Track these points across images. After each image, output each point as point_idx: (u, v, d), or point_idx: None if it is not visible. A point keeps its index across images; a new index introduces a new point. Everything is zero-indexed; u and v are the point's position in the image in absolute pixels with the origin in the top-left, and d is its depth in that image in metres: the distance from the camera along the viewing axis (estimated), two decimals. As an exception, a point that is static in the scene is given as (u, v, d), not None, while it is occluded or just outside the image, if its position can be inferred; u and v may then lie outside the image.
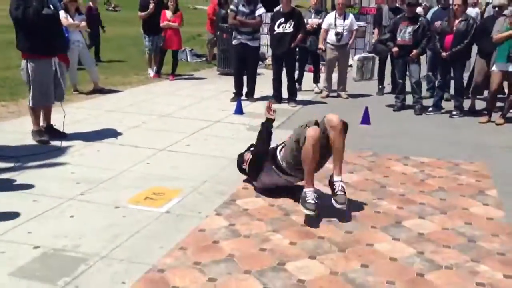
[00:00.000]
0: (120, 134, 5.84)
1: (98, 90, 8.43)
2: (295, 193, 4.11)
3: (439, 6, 8.98)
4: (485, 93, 7.49)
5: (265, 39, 12.10)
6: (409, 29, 7.32)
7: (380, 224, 3.57)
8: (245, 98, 8.06)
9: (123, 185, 4.25)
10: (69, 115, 5.89)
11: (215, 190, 4.21)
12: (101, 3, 13.81)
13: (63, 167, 4.66)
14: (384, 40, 7.68)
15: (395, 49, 7.45)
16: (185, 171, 4.66)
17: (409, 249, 3.21)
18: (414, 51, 7.31)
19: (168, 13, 9.78)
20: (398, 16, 7.73)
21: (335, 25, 8.34)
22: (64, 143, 5.32)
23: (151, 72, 10.31)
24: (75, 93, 8.20)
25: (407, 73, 7.59)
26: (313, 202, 3.56)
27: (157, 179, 4.41)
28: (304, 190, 3.67)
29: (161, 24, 9.73)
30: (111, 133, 5.84)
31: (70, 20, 7.94)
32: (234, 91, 8.13)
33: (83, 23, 8.23)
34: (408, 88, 7.64)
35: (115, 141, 5.57)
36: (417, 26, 7.28)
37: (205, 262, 2.99)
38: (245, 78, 8.14)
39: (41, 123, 5.58)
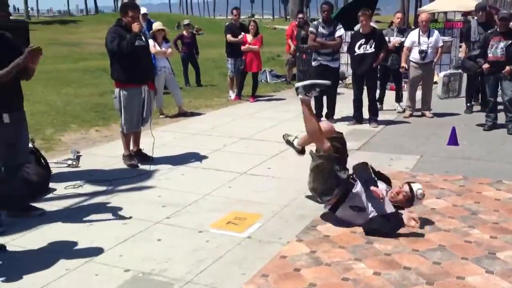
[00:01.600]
0: (203, 157, 6.03)
1: (183, 114, 8.79)
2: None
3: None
4: None
5: (344, 58, 12.02)
6: (502, 44, 6.94)
7: (472, 255, 3.37)
8: (325, 119, 8.00)
9: (206, 209, 4.37)
10: (155, 139, 6.16)
11: (295, 214, 4.20)
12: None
13: (150, 190, 4.88)
14: (474, 56, 7.33)
15: (486, 65, 7.08)
16: (266, 195, 4.70)
17: (505, 284, 2.99)
18: (508, 68, 6.90)
19: (249, 37, 10.03)
20: (489, 31, 7.35)
21: (419, 42, 8.10)
22: (152, 167, 5.58)
23: (232, 95, 10.57)
24: (161, 117, 8.59)
25: (499, 90, 7.18)
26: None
27: (238, 203, 4.49)
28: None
29: (242, 48, 9.98)
30: (195, 157, 6.04)
31: (158, 48, 8.37)
32: (314, 112, 8.09)
33: (169, 50, 8.65)
34: (500, 106, 7.22)
35: (198, 164, 5.76)
36: (511, 41, 6.88)
37: (287, 291, 2.98)
38: (325, 99, 8.10)
39: (131, 148, 5.89)
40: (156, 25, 8.68)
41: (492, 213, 4.11)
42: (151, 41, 8.06)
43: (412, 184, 3.85)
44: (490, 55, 7.04)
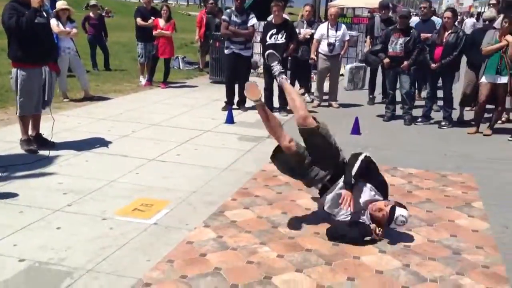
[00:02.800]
0: (109, 143, 5.83)
1: (89, 98, 8.42)
2: (284, 206, 4.14)
3: (420, 18, 9.07)
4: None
5: (257, 48, 12.17)
6: (401, 40, 7.38)
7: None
8: (237, 107, 8.07)
9: (112, 195, 4.24)
10: (58, 124, 5.86)
11: (204, 201, 4.21)
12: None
13: (50, 177, 4.63)
14: (376, 51, 7.73)
15: (386, 60, 7.51)
16: (175, 181, 4.65)
17: (395, 262, 3.22)
18: (405, 63, 7.36)
19: (161, 21, 9.79)
20: (389, 28, 7.80)
21: (328, 35, 8.39)
22: (53, 153, 5.30)
23: (143, 80, 10.30)
24: (65, 101, 8.17)
25: (398, 83, 7.65)
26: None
27: (146, 189, 4.41)
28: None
29: (154, 33, 9.73)
30: (101, 142, 5.83)
31: (61, 28, 7.93)
32: (226, 100, 8.14)
33: (74, 30, 8.23)
34: (398, 98, 7.71)
35: (104, 150, 5.56)
36: (409, 38, 7.34)
37: (192, 276, 2.99)
38: (236, 87, 8.16)
39: (30, 132, 5.55)
40: (60, 4, 8.18)
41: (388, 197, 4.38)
42: (53, 20, 7.63)
43: (398, 208, 3.46)
44: (390, 50, 7.46)
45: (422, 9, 8.65)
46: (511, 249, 3.44)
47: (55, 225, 3.62)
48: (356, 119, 6.78)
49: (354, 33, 12.76)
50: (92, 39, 11.99)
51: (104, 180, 4.57)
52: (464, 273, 3.10)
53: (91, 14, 12.11)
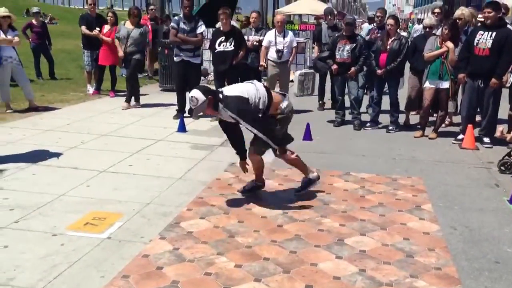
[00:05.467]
0: (58, 155, 5.63)
1: (34, 109, 8.11)
2: (240, 214, 4.13)
3: (374, 24, 9.35)
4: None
5: (207, 54, 12.13)
6: (347, 47, 7.56)
7: (324, 243, 3.64)
8: (188, 115, 7.97)
9: (62, 210, 4.09)
10: (2, 136, 5.61)
11: (158, 212, 4.14)
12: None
13: (-5, 193, 4.42)
14: (324, 58, 7.89)
15: (334, 66, 7.67)
16: (128, 193, 4.55)
17: (351, 267, 3.28)
18: (352, 69, 7.55)
19: (107, 27, 9.57)
20: (336, 35, 7.98)
21: (276, 42, 8.47)
22: (-3, 167, 5.06)
23: (91, 89, 10.04)
24: (8, 112, 7.83)
25: (346, 89, 7.83)
26: None
27: (98, 202, 4.28)
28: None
29: (99, 37, 9.46)
30: (48, 155, 5.62)
31: (3, 36, 7.61)
32: (177, 108, 8.06)
33: (16, 39, 7.89)
34: (347, 103, 7.89)
35: (52, 162, 5.36)
36: (355, 44, 7.54)
37: (149, 290, 2.92)
38: (187, 94, 8.07)
39: (-29, 146, 5.28)
40: (1, 11, 7.86)
41: (341, 203, 4.47)
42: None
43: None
44: (337, 57, 7.64)
45: (379, 17, 8.86)
46: (460, 250, 3.58)
47: (1, 243, 3.45)
48: (308, 125, 6.88)
49: (301, 39, 12.99)
50: (36, 47, 11.58)
51: (53, 194, 4.41)
52: (418, 275, 3.19)
53: (33, 21, 11.70)
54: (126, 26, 8.65)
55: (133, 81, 8.81)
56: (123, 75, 12.38)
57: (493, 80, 6.37)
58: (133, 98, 8.79)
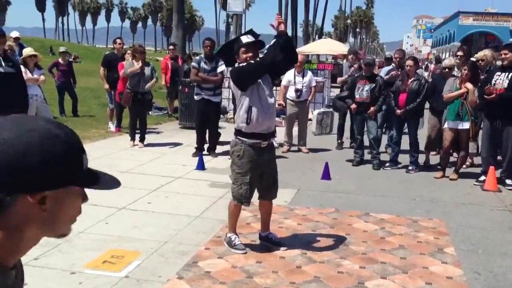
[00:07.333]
0: (78, 191, 5.68)
1: (56, 145, 8.25)
2: (258, 254, 4.09)
3: (393, 65, 9.42)
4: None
5: (226, 93, 12.31)
6: (367, 87, 7.62)
7: (344, 285, 3.57)
8: (207, 153, 8.06)
9: (80, 247, 4.10)
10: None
11: (176, 251, 4.12)
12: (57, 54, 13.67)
13: (16, 228, 4.46)
14: (343, 97, 7.95)
15: (353, 106, 7.71)
16: (146, 231, 4.55)
17: (373, 312, 3.20)
18: (372, 108, 7.58)
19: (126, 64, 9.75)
20: (356, 75, 8.05)
21: (295, 82, 8.58)
22: (19, 203, 5.12)
23: (112, 126, 10.21)
24: (31, 148, 7.99)
25: (365, 129, 7.83)
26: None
27: (116, 240, 4.29)
28: (228, 235, 4.20)
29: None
30: (69, 191, 5.67)
31: (29, 75, 7.85)
32: (196, 145, 8.13)
33: (42, 78, 8.16)
34: (366, 143, 7.87)
35: (72, 199, 5.41)
36: (374, 84, 7.59)
37: (166, 332, 2.89)
38: (207, 132, 8.17)
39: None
40: (27, 51, 8.16)
41: (361, 244, 4.40)
42: (21, 68, 7.54)
43: None
44: (357, 96, 7.69)
45: (397, 58, 8.93)
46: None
47: (20, 281, 3.46)
48: (326, 164, 6.86)
49: (320, 78, 13.12)
50: (61, 85, 11.88)
51: (73, 232, 4.40)
52: (441, 321, 3.10)
53: (60, 60, 12.05)
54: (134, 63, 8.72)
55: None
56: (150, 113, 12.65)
57: None
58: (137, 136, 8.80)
